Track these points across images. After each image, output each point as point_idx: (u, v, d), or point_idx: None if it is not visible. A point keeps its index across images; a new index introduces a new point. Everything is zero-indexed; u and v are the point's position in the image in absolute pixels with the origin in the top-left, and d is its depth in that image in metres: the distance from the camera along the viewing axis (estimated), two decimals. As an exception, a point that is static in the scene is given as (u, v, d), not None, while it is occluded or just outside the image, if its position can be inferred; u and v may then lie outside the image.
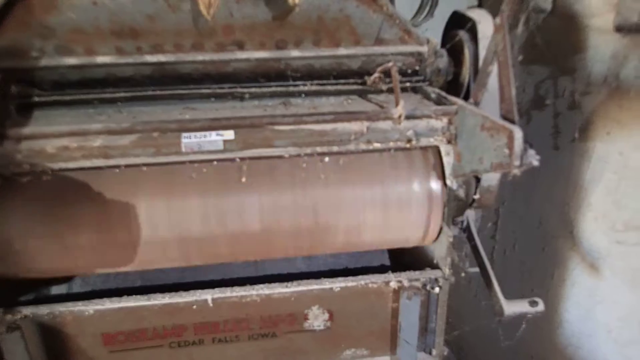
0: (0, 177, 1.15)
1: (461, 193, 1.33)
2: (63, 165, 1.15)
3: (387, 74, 1.36)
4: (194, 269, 1.76)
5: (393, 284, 1.33)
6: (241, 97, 1.43)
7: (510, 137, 0.98)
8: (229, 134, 1.20)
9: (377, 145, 1.25)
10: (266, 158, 1.23)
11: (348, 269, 1.77)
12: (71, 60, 1.28)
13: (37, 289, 1.58)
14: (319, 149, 1.23)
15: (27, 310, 1.24)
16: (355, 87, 1.45)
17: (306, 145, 1.22)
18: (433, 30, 1.80)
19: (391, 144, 1.25)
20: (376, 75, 1.35)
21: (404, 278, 1.34)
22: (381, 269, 1.78)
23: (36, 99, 1.31)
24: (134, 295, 1.29)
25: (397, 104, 1.20)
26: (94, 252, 1.22)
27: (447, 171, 1.28)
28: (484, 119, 1.09)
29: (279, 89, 1.41)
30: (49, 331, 1.29)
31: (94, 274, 1.45)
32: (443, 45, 1.53)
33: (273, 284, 1.32)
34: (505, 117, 1.05)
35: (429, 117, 1.23)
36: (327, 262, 1.86)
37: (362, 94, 1.47)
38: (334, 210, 1.27)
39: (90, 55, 1.29)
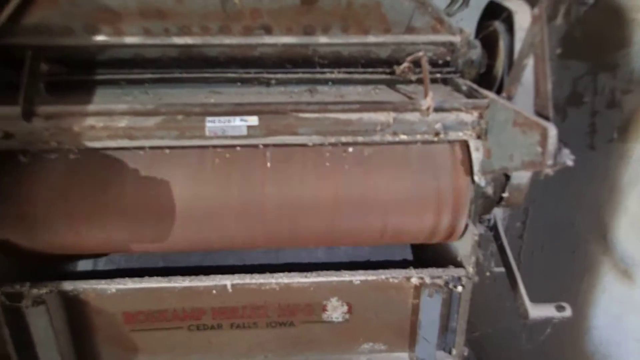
0: (28, 154, 1.16)
1: (489, 190, 1.28)
2: (89, 144, 1.16)
3: (417, 63, 1.32)
4: (214, 253, 1.77)
5: (414, 280, 1.31)
6: (267, 83, 1.41)
7: (544, 135, 0.93)
8: (253, 120, 1.18)
9: (403, 137, 1.21)
10: (289, 146, 1.21)
11: (369, 262, 1.75)
12: (100, 40, 1.29)
13: (63, 265, 1.62)
14: (343, 139, 1.20)
15: (52, 286, 1.26)
16: (383, 76, 1.41)
17: (330, 135, 1.20)
18: (468, 20, 1.73)
19: (418, 137, 1.21)
20: (405, 65, 1.31)
21: (426, 275, 1.31)
22: (403, 264, 1.75)
23: (65, 77, 1.32)
24: (155, 277, 1.30)
25: (426, 95, 1.16)
26: (116, 230, 1.23)
27: (476, 167, 1.23)
28: (517, 114, 1.04)
29: (305, 75, 1.39)
30: (73, 307, 1.32)
31: (115, 252, 1.47)
32: (477, 35, 1.48)
33: (292, 273, 1.31)
34: (539, 113, 1.00)
35: (458, 110, 1.19)
36: (348, 253, 1.85)
37: (390, 84, 1.43)
38: (356, 202, 1.24)
39: (119, 36, 1.29)
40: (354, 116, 1.20)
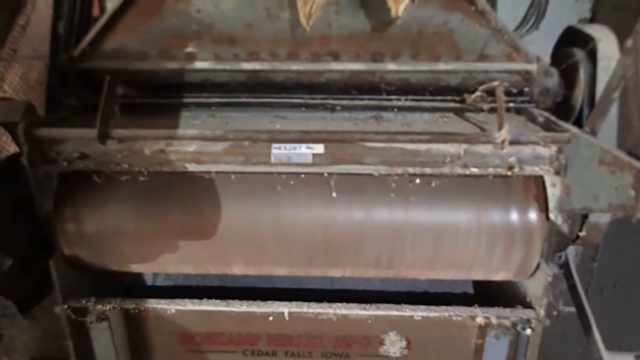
0: (101, 174, 1.20)
1: (564, 228, 1.20)
2: (158, 167, 1.18)
3: (490, 92, 1.26)
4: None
5: (480, 320, 1.24)
6: (332, 109, 1.40)
7: (638, 178, 0.85)
8: (319, 148, 1.17)
9: (474, 170, 1.16)
10: (355, 175, 1.19)
11: (427, 293, 1.69)
12: (172, 65, 1.32)
13: (123, 278, 1.66)
14: (410, 170, 1.16)
15: (116, 302, 1.29)
16: (452, 104, 1.36)
17: (397, 165, 1.17)
18: (537, 43, 1.66)
19: (490, 170, 1.16)
20: (478, 94, 1.26)
21: (492, 314, 1.23)
22: (464, 298, 1.68)
23: (137, 100, 1.37)
24: (213, 300, 1.30)
25: (500, 127, 1.11)
26: (181, 251, 1.25)
27: (552, 204, 1.16)
28: (604, 152, 0.97)
29: (372, 102, 1.36)
30: (133, 324, 1.34)
31: (177, 272, 1.48)
32: (552, 62, 1.40)
33: (350, 305, 1.28)
34: (631, 153, 0.92)
35: (535, 143, 1.12)
36: (405, 282, 1.79)
37: (459, 112, 1.38)
38: (421, 235, 1.20)
39: (190, 60, 1.32)
40: (422, 147, 1.16)
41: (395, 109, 1.39)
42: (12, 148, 1.39)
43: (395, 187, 1.18)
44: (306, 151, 1.17)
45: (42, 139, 1.16)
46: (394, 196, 1.19)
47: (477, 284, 1.67)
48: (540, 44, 1.58)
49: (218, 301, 1.30)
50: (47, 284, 1.57)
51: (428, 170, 1.16)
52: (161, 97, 1.37)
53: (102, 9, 2.48)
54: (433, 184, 1.18)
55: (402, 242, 1.21)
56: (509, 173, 1.16)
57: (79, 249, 1.26)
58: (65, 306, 1.29)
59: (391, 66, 1.30)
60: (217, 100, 1.37)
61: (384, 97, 1.37)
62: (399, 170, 1.16)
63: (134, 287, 1.70)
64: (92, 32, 1.26)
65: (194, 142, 1.17)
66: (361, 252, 1.21)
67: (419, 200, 1.18)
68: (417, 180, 1.18)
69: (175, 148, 1.17)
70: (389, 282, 1.88)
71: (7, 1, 1.29)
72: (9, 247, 1.32)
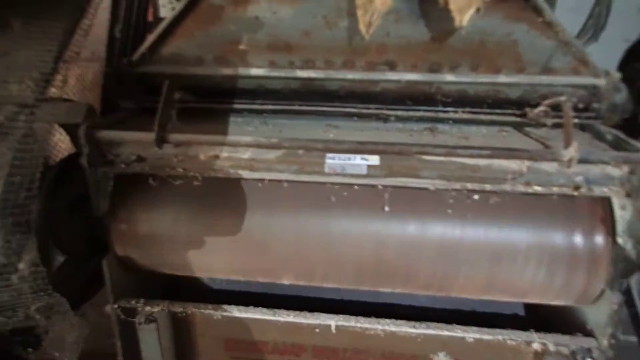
0: (157, 178, 1.21)
1: (632, 254, 1.13)
2: (212, 173, 1.18)
3: (554, 107, 1.21)
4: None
5: (536, 346, 1.18)
6: (385, 119, 1.37)
7: None
8: (374, 159, 1.14)
9: (537, 188, 1.10)
10: (409, 188, 1.15)
11: (475, 313, 1.63)
12: (227, 71, 1.32)
13: (170, 283, 1.68)
14: (469, 185, 1.12)
15: (164, 305, 1.30)
16: (512, 118, 1.31)
17: (455, 180, 1.13)
18: (595, 55, 1.58)
19: (554, 189, 1.10)
20: (542, 108, 1.20)
21: (550, 341, 1.17)
22: (514, 320, 1.61)
23: (192, 105, 1.38)
24: (260, 308, 1.29)
25: (568, 144, 1.05)
26: (230, 257, 1.24)
27: (620, 227, 1.09)
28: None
29: (427, 114, 1.32)
30: (180, 327, 1.35)
31: (224, 278, 1.48)
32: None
33: (400, 321, 1.24)
34: None
35: (605, 163, 1.06)
36: (452, 299, 1.73)
37: (518, 127, 1.33)
38: (476, 255, 1.15)
39: (245, 67, 1.32)
40: (482, 162, 1.12)
41: (451, 121, 1.35)
42: (65, 147, 1.42)
43: (452, 203, 1.14)
44: (361, 162, 1.15)
45: (102, 141, 1.19)
46: (451, 212, 1.14)
47: (529, 306, 1.60)
48: (599, 56, 1.50)
49: (265, 310, 1.29)
50: (97, 283, 1.61)
51: (488, 187, 1.12)
52: (215, 102, 1.38)
53: (155, 15, 2.55)
54: (492, 201, 1.14)
55: (456, 262, 1.16)
56: (575, 193, 1.10)
57: (131, 250, 1.28)
58: (116, 306, 1.31)
59: (449, 77, 1.26)
60: (270, 107, 1.36)
61: (440, 108, 1.33)
62: (457, 186, 1.12)
63: (179, 290, 1.71)
64: (152, 37, 1.29)
65: (249, 149, 1.16)
66: (413, 270, 1.18)
67: (476, 218, 1.14)
68: (476, 197, 1.14)
69: (230, 154, 1.17)
70: (435, 299, 1.83)
71: (72, 6, 1.33)
72: (63, 245, 1.35)
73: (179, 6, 1.22)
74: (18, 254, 1.13)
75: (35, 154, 1.14)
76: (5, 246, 1.12)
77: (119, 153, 1.20)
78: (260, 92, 1.37)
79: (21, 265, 1.13)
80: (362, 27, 1.12)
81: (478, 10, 1.05)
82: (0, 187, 1.11)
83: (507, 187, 1.12)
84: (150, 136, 1.16)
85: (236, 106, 1.38)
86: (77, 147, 1.34)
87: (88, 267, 1.55)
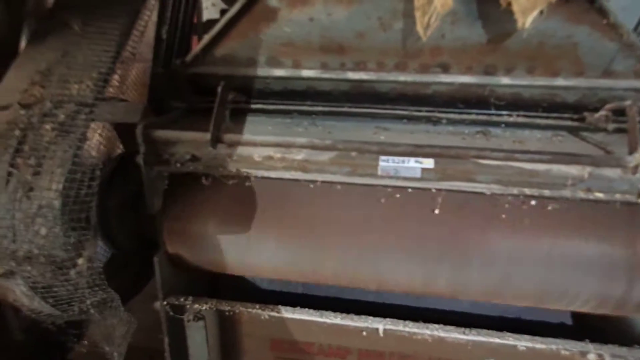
0: (210, 177, 1.23)
1: (698, 264, 1.08)
2: (265, 173, 1.19)
3: (616, 112, 1.17)
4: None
5: (592, 357, 1.15)
6: (435, 122, 1.35)
7: None
8: (429, 162, 1.13)
9: (598, 195, 1.07)
10: (464, 192, 1.14)
11: (521, 320, 1.59)
12: (279, 72, 1.33)
13: (213, 281, 1.70)
14: (526, 191, 1.10)
15: (212, 303, 1.32)
16: (568, 122, 1.28)
17: (512, 185, 1.10)
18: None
19: (617, 196, 1.07)
20: (603, 112, 1.17)
21: (607, 352, 1.14)
22: (562, 329, 1.57)
23: (244, 105, 1.39)
24: (307, 309, 1.30)
25: (633, 150, 1.02)
26: (278, 258, 1.25)
27: (685, 237, 1.05)
28: None
29: (480, 117, 1.30)
30: (226, 326, 1.36)
31: (273, 278, 1.49)
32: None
33: (449, 327, 1.22)
34: None
35: (673, 170, 1.03)
36: (495, 305, 1.70)
37: (573, 131, 1.29)
38: (531, 260, 1.13)
39: (297, 68, 1.32)
40: (541, 167, 1.09)
41: (503, 125, 1.32)
42: (106, 148, 1.45)
43: (507, 208, 1.12)
44: (415, 165, 1.14)
45: (158, 140, 1.21)
46: (505, 218, 1.12)
47: (578, 315, 1.56)
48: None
49: (312, 311, 1.29)
50: (143, 279, 1.64)
51: (546, 193, 1.09)
52: (265, 103, 1.39)
53: (199, 18, 2.59)
54: (550, 208, 1.11)
55: (509, 269, 1.14)
56: (639, 200, 1.06)
57: (181, 248, 1.30)
58: (165, 302, 1.33)
59: (505, 80, 1.24)
60: (321, 109, 1.36)
61: (493, 111, 1.31)
62: (514, 191, 1.10)
63: (217, 288, 1.73)
64: (206, 39, 1.30)
65: (302, 151, 1.16)
66: (465, 275, 1.16)
67: (533, 224, 1.11)
68: (533, 203, 1.12)
69: (283, 155, 1.18)
70: (478, 304, 1.80)
71: (129, 8, 1.36)
72: (114, 241, 1.38)
73: (233, 8, 1.24)
74: (77, 250, 1.16)
75: (97, 152, 1.17)
76: (66, 242, 1.15)
77: (173, 152, 1.22)
78: (310, 94, 1.37)
79: (80, 261, 1.16)
80: (419, 29, 1.11)
81: (541, 12, 1.03)
82: (62, 183, 1.14)
83: (566, 193, 1.09)
84: (205, 136, 1.17)
85: (286, 107, 1.38)
86: (127, 146, 1.37)
87: (134, 264, 1.58)
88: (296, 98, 1.38)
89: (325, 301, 1.74)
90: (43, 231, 1.14)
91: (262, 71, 1.33)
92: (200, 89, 1.41)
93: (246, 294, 1.75)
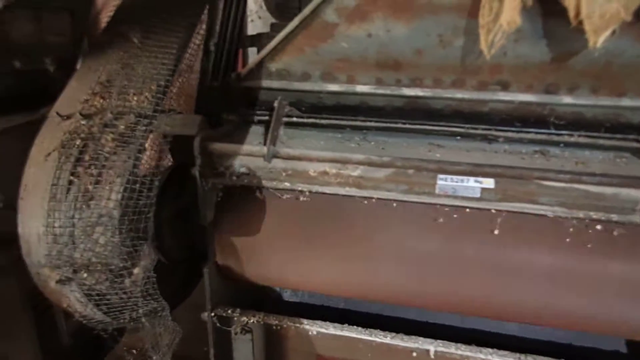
0: (264, 190, 1.23)
1: None
2: (319, 188, 1.19)
3: (686, 135, 1.13)
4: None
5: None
6: (490, 140, 1.33)
7: None
8: (489, 182, 1.11)
9: (670, 221, 1.03)
10: (524, 214, 1.11)
11: (573, 346, 1.54)
12: (333, 87, 1.33)
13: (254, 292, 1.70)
14: (592, 215, 1.06)
15: (259, 316, 1.31)
16: (632, 144, 1.23)
17: (577, 208, 1.07)
18: None
19: (690, 224, 1.02)
20: (674, 135, 1.12)
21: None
22: (615, 357, 1.51)
23: (294, 119, 1.39)
24: (355, 327, 1.28)
25: None
26: (329, 274, 1.24)
27: None
28: None
29: (539, 136, 1.27)
30: (273, 339, 1.35)
31: (323, 293, 1.48)
32: None
33: (504, 352, 1.19)
34: None
35: None
36: (544, 329, 1.65)
37: (637, 153, 1.25)
38: (595, 286, 1.09)
39: (351, 83, 1.32)
40: (608, 190, 1.05)
41: (562, 144, 1.29)
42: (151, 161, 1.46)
43: (571, 232, 1.08)
44: (474, 185, 1.11)
45: (215, 152, 1.22)
46: (569, 241, 1.09)
47: (633, 343, 1.49)
48: None
49: (361, 329, 1.27)
50: (188, 288, 1.65)
51: (614, 217, 1.05)
52: (317, 117, 1.39)
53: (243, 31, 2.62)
54: (616, 233, 1.07)
55: (570, 294, 1.10)
56: None
57: (231, 260, 1.30)
58: (212, 314, 1.33)
59: (567, 99, 1.21)
60: (374, 124, 1.35)
61: (552, 131, 1.27)
62: (580, 215, 1.07)
63: (261, 301, 1.73)
64: (262, 53, 1.31)
65: (359, 167, 1.16)
66: (522, 299, 1.12)
67: (597, 249, 1.07)
68: (598, 227, 1.08)
69: (339, 171, 1.17)
70: (524, 328, 1.75)
71: (186, 22, 1.38)
72: (165, 251, 1.39)
73: (292, 23, 1.24)
74: (134, 259, 1.17)
75: (155, 163, 1.19)
76: (123, 251, 1.16)
77: (229, 165, 1.23)
78: (363, 109, 1.36)
79: (136, 270, 1.17)
80: (483, 47, 1.08)
81: (614, 32, 1.00)
82: (121, 193, 1.16)
83: (635, 218, 1.05)
84: (262, 150, 1.18)
85: (338, 122, 1.38)
86: (175, 158, 1.38)
87: (179, 273, 1.59)
88: (349, 113, 1.38)
89: (368, 318, 1.72)
90: (102, 240, 1.16)
91: (316, 86, 1.33)
92: (253, 102, 1.42)
93: (286, 307, 1.74)
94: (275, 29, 1.93)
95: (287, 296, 1.81)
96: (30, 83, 1.42)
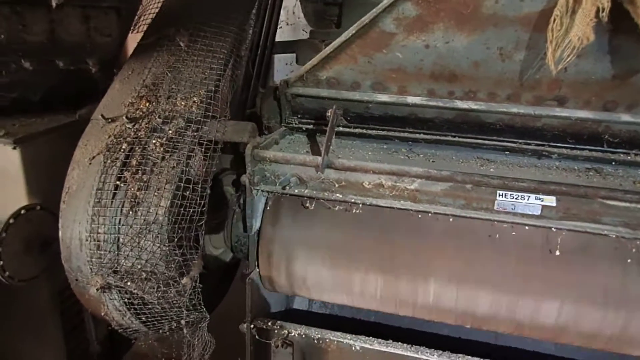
0: (314, 201, 1.20)
1: None
2: (373, 201, 1.16)
3: None
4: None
5: None
6: (539, 155, 1.31)
7: None
8: (550, 200, 1.08)
9: None
10: (585, 233, 1.08)
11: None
12: (383, 97, 1.30)
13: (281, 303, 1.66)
14: (658, 236, 1.04)
15: (301, 329, 1.28)
16: (688, 164, 1.22)
17: (642, 229, 1.04)
18: None
19: None
20: None
21: None
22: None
23: (341, 128, 1.37)
24: (401, 343, 1.25)
25: None
26: (377, 289, 1.21)
27: None
28: None
29: (594, 153, 1.25)
30: (313, 353, 1.31)
31: (370, 308, 1.44)
32: None
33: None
34: None
35: None
36: (580, 350, 1.62)
37: (693, 173, 1.23)
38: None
39: (402, 94, 1.30)
40: (675, 212, 1.03)
41: (614, 162, 1.27)
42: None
43: (635, 253, 1.06)
44: (535, 202, 1.09)
45: (265, 160, 1.19)
46: (631, 262, 1.06)
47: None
48: None
49: (406, 345, 1.24)
50: (217, 298, 1.61)
51: (679, 239, 1.03)
52: (365, 127, 1.37)
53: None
54: (680, 255, 1.05)
55: (631, 316, 1.07)
56: None
57: (275, 271, 1.27)
58: (252, 325, 1.29)
59: (625, 117, 1.19)
60: (422, 136, 1.33)
61: (607, 149, 1.25)
62: (644, 235, 1.04)
63: (290, 311, 1.70)
64: (314, 60, 1.28)
65: (416, 180, 1.13)
66: (584, 321, 1.10)
67: (661, 270, 1.05)
68: (662, 249, 1.05)
69: (394, 184, 1.14)
70: (561, 347, 1.71)
71: (235, 27, 1.35)
72: (205, 261, 1.36)
73: (347, 32, 1.22)
74: (182, 269, 1.14)
75: (206, 170, 1.16)
76: (170, 260, 1.13)
77: (279, 174, 1.20)
78: (411, 120, 1.34)
79: (184, 280, 1.13)
80: (550, 63, 1.06)
81: (687, 50, 0.98)
82: (170, 199, 1.13)
83: (701, 241, 1.02)
84: (316, 160, 1.15)
85: (386, 132, 1.36)
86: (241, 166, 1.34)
87: (212, 282, 1.56)
88: (396, 124, 1.35)
89: (398, 332, 1.69)
90: (149, 247, 1.12)
91: (365, 95, 1.31)
92: (298, 110, 1.39)
93: (316, 319, 1.71)
94: (315, 36, 1.90)
95: (315, 307, 1.78)
96: (72, 83, 1.39)
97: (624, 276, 1.07)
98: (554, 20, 1.02)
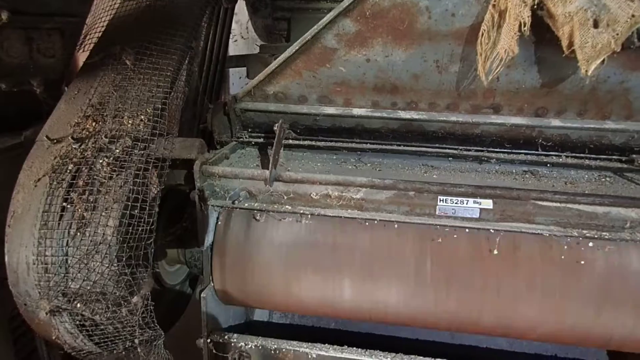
0: (264, 213, 1.22)
1: None
2: (321, 211, 1.19)
3: (666, 155, 1.20)
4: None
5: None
6: (481, 160, 1.37)
7: None
8: (487, 203, 1.14)
9: (657, 238, 1.09)
10: (521, 233, 1.15)
11: (557, 358, 1.59)
12: (330, 110, 1.34)
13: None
14: (586, 233, 1.11)
15: (257, 341, 1.29)
16: (615, 164, 1.30)
17: (571, 227, 1.12)
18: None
19: (677, 239, 1.09)
20: (654, 155, 1.19)
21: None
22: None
23: (291, 141, 1.40)
24: (356, 348, 1.28)
25: (692, 196, 1.04)
26: (331, 295, 1.24)
27: None
28: None
29: (528, 157, 1.33)
30: (270, 365, 1.33)
31: (325, 316, 1.46)
32: None
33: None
34: None
35: None
36: (531, 343, 1.70)
37: (619, 172, 1.32)
38: (584, 300, 1.13)
39: (348, 106, 1.34)
40: (600, 209, 1.11)
41: (549, 165, 1.35)
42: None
43: (566, 250, 1.13)
44: (474, 206, 1.14)
45: (214, 176, 1.20)
46: (563, 259, 1.13)
47: (615, 353, 1.56)
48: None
49: (361, 350, 1.27)
50: (176, 313, 1.61)
51: (606, 235, 1.10)
52: (313, 139, 1.40)
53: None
54: (607, 249, 1.12)
55: (563, 307, 1.14)
56: (698, 244, 1.08)
57: (229, 284, 1.28)
58: (209, 340, 1.30)
59: (555, 122, 1.27)
60: (369, 146, 1.37)
61: (540, 152, 1.33)
62: (574, 233, 1.11)
63: (250, 323, 1.70)
64: (261, 76, 1.31)
65: (361, 190, 1.17)
66: (523, 316, 1.15)
67: (590, 265, 1.12)
68: (590, 244, 1.12)
69: (341, 194, 1.18)
70: (513, 342, 1.79)
71: (181, 45, 1.36)
72: (158, 276, 1.36)
73: (291, 48, 1.25)
74: (132, 288, 1.13)
75: (154, 187, 1.16)
76: (119, 279, 1.12)
77: (229, 188, 1.22)
78: (358, 131, 1.39)
79: (135, 299, 1.13)
80: (481, 74, 1.13)
81: (603, 61, 1.06)
82: (118, 219, 1.13)
83: (625, 235, 1.10)
84: (264, 173, 1.17)
85: (334, 144, 1.40)
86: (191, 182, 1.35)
87: (168, 299, 1.55)
88: (344, 135, 1.40)
89: (358, 337, 1.72)
90: (97, 268, 1.12)
91: (313, 108, 1.35)
92: (248, 124, 1.41)
93: (277, 329, 1.72)
94: (265, 50, 1.94)
95: (276, 318, 1.79)
96: (16, 104, 1.37)
97: (556, 272, 1.14)
98: (482, 34, 1.09)
